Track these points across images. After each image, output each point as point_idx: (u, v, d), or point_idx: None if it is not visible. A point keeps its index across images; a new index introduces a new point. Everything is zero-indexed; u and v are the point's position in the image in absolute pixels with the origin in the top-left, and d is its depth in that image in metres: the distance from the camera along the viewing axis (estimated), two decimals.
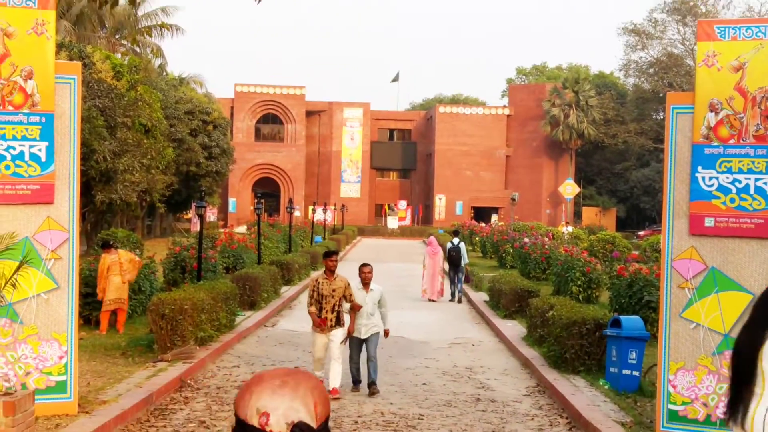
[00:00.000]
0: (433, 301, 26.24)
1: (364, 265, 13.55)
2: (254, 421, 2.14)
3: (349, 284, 12.95)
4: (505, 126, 77.75)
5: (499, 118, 78.47)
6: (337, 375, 12.57)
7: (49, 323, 11.45)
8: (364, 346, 13.02)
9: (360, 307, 12.79)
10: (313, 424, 2.24)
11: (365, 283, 13.21)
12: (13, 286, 10.73)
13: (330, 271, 12.94)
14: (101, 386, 12.65)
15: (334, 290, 12.74)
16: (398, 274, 30.39)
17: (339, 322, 12.82)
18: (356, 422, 11.18)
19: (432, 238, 28.22)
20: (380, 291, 13.45)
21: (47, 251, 11.44)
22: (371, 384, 12.67)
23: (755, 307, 4.67)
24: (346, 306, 13.02)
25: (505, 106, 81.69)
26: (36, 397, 10.56)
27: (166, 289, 20.35)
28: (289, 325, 21.30)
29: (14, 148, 11.44)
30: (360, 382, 12.87)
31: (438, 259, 26.79)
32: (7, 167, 11.28)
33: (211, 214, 60.41)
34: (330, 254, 13.20)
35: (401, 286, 26.65)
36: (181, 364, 14.75)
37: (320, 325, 12.58)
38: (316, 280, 13.03)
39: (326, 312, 12.68)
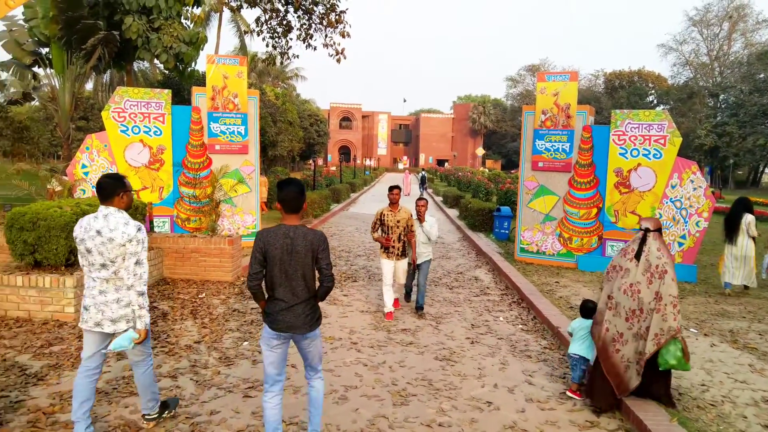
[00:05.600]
0: (407, 195, 36.03)
1: (420, 199, 11.18)
2: None
3: (412, 215, 10.61)
4: (451, 121, 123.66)
5: (449, 119, 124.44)
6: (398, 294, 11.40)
7: (247, 206, 15.17)
8: (416, 270, 11.11)
9: (413, 236, 10.63)
10: None
11: (420, 216, 10.92)
12: (235, 191, 14.74)
13: (393, 203, 10.42)
14: None
15: (398, 221, 10.36)
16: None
17: (404, 253, 10.57)
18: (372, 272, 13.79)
19: (406, 170, 44.23)
20: (433, 222, 10.99)
21: (245, 174, 15.11)
22: (419, 308, 10.85)
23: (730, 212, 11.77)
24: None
25: (452, 113, 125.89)
26: (242, 238, 13.50)
27: None
28: (354, 210, 30.46)
29: (230, 128, 15.01)
30: (410, 297, 11.72)
31: (408, 179, 41.80)
32: (229, 138, 14.96)
33: (320, 160, 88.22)
34: (392, 188, 10.40)
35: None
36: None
37: (387, 243, 10.37)
38: (381, 213, 10.51)
39: (393, 242, 10.41)
